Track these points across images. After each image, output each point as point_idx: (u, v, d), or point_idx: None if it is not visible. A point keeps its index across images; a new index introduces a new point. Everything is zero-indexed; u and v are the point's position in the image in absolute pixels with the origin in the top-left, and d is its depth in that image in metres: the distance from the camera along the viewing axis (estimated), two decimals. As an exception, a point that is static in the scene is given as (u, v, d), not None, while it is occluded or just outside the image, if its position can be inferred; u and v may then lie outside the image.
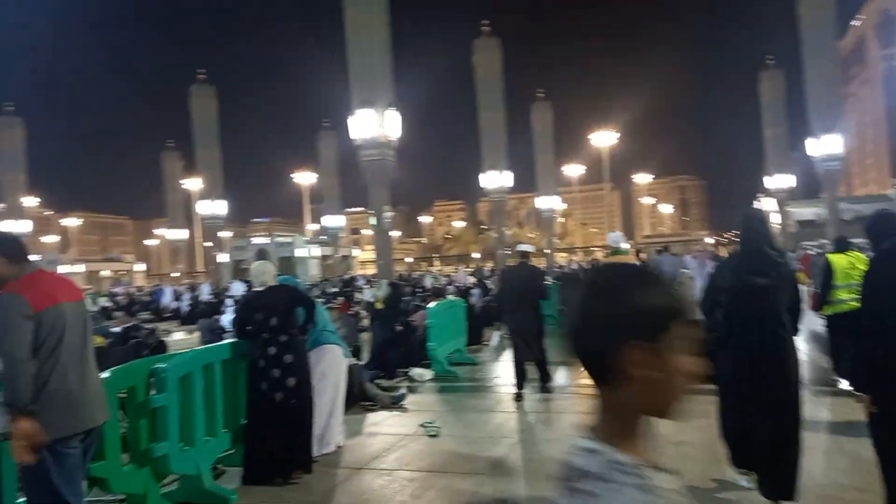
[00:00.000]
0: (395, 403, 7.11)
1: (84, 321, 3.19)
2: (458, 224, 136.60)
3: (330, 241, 73.01)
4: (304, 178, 75.06)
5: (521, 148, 60.64)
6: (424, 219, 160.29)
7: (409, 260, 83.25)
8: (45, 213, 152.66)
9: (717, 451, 4.24)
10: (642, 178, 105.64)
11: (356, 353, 9.65)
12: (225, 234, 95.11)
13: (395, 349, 9.03)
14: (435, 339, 8.71)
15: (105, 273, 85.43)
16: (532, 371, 7.42)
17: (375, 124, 29.05)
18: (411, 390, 8.09)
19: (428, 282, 35.61)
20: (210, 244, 65.52)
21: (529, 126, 58.26)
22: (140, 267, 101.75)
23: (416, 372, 8.65)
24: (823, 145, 42.06)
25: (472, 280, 24.93)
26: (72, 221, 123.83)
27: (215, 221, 55.60)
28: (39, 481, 2.89)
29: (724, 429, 4.04)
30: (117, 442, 3.79)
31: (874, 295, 3.29)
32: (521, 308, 7.41)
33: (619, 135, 63.22)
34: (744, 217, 4.00)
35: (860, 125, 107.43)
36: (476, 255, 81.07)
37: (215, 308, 19.88)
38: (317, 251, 74.86)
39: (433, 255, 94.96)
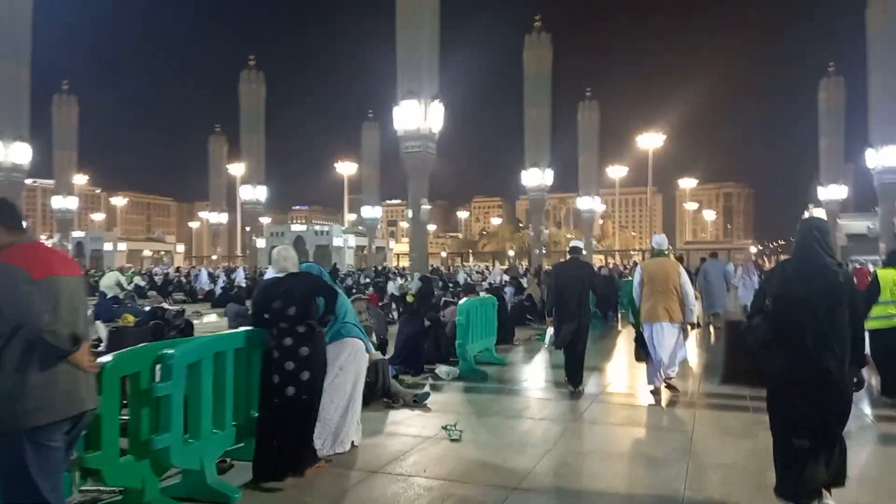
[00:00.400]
0: (417, 402, 6.79)
1: (80, 297, 2.93)
2: (496, 221, 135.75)
3: (367, 232, 73.43)
4: (346, 169, 75.51)
5: (565, 146, 59.89)
6: (462, 214, 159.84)
7: (444, 254, 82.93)
8: (95, 191, 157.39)
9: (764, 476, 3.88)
10: (687, 183, 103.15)
11: (382, 346, 9.39)
12: (265, 220, 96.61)
13: (422, 345, 8.72)
14: (463, 337, 8.37)
15: (147, 252, 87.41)
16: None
17: (419, 116, 28.89)
18: (436, 389, 7.76)
19: (461, 277, 35.35)
20: (248, 229, 66.48)
21: (575, 125, 57.51)
22: (180, 248, 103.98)
23: (443, 370, 8.32)
24: (882, 157, 40.48)
25: (505, 277, 24.54)
26: (119, 201, 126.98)
27: (255, 206, 56.20)
28: (16, 477, 2.63)
29: (776, 449, 3.86)
30: (115, 431, 3.54)
31: None
32: (571, 304, 7.72)
33: (665, 137, 61.76)
34: (804, 223, 3.90)
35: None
36: (511, 253, 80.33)
37: (248, 292, 19.93)
38: (353, 241, 75.43)
39: (468, 250, 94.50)
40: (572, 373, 7.79)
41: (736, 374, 4.65)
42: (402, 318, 9.53)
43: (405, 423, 6.18)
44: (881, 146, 40.53)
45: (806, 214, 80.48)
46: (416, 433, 5.82)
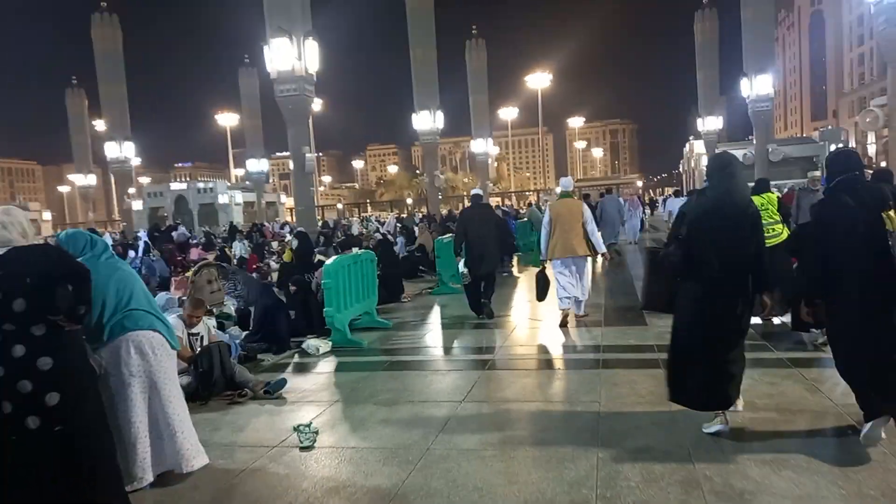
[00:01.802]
0: (269, 393, 5.43)
1: None
2: (392, 168, 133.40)
3: (254, 188, 69.68)
4: (227, 120, 70.71)
5: (455, 89, 58.46)
6: (357, 163, 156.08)
7: (340, 206, 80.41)
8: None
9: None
10: (575, 122, 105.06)
11: (243, 320, 7.90)
12: (145, 180, 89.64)
13: (282, 315, 7.28)
14: (332, 303, 7.04)
15: (8, 222, 79.08)
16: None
17: (292, 55, 26.51)
18: (301, 369, 6.44)
19: (355, 229, 33.66)
20: (129, 190, 61.10)
21: (463, 66, 56.06)
22: (47, 216, 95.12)
23: (310, 344, 6.97)
24: (756, 85, 41.88)
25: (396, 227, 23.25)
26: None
27: (124, 165, 51.32)
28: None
29: (674, 349, 4.26)
30: None
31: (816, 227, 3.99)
32: (481, 245, 8.54)
33: (552, 77, 61.68)
34: (713, 158, 4.29)
35: (784, 70, 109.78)
36: (409, 201, 78.99)
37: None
38: (240, 198, 71.41)
39: (366, 200, 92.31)
40: (483, 305, 8.63)
41: (653, 301, 4.90)
42: (257, 287, 8.00)
43: (246, 427, 4.81)
44: (755, 75, 41.86)
45: (687, 147, 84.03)
46: (258, 440, 4.48)
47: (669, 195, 32.90)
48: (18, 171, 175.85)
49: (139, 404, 3.61)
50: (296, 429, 4.50)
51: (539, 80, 57.68)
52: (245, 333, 7.31)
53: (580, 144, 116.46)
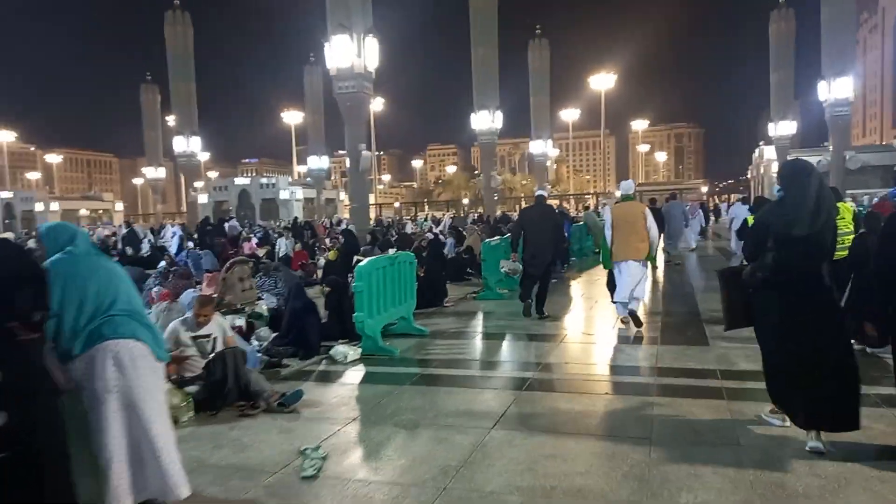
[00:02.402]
0: (283, 406, 4.99)
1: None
2: (451, 169, 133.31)
3: (314, 184, 70.71)
4: (293, 118, 72.00)
5: (516, 89, 57.69)
6: (417, 162, 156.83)
7: (397, 204, 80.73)
8: (29, 148, 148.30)
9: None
10: (639, 125, 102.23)
11: (278, 320, 7.51)
12: (213, 174, 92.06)
13: (312, 318, 6.85)
14: (363, 308, 6.56)
15: (83, 212, 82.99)
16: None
17: (352, 52, 26.43)
18: (325, 379, 5.98)
19: (409, 227, 33.39)
20: (197, 184, 62.86)
21: (525, 65, 55.19)
22: (119, 206, 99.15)
23: (338, 351, 6.52)
24: (835, 89, 39.62)
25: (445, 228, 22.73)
26: (54, 158, 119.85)
27: (191, 159, 52.69)
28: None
29: (768, 367, 4.15)
30: None
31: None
32: (536, 245, 8.76)
33: (617, 78, 59.94)
34: (790, 166, 4.09)
35: (864, 74, 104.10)
36: (465, 201, 78.52)
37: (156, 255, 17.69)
38: (301, 193, 72.55)
39: (424, 199, 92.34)
40: (539, 302, 8.85)
41: (736, 319, 4.48)
42: (292, 287, 7.59)
43: (250, 446, 4.35)
44: (833, 78, 39.61)
45: (756, 153, 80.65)
46: (259, 463, 4.01)
47: (736, 202, 31.45)
48: (97, 162, 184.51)
49: (115, 424, 3.17)
50: (302, 452, 4.03)
51: (603, 81, 56.15)
52: (274, 335, 6.92)
53: (643, 148, 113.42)
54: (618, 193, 8.63)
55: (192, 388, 4.95)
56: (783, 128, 55.99)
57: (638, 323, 7.67)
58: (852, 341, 4.62)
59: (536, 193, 10.01)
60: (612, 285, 8.30)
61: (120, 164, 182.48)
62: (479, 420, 4.75)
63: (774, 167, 61.16)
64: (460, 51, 45.26)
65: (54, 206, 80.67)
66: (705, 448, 4.07)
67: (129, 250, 20.51)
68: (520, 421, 4.74)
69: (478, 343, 7.61)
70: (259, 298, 8.09)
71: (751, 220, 7.36)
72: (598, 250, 13.64)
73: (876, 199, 16.72)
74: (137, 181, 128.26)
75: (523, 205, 67.05)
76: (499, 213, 38.93)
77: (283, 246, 14.48)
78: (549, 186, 73.29)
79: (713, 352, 6.45)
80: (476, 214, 40.14)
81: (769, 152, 63.31)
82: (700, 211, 24.96)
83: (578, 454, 4.09)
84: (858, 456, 3.77)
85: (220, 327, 5.36)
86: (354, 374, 6.20)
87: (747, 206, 14.13)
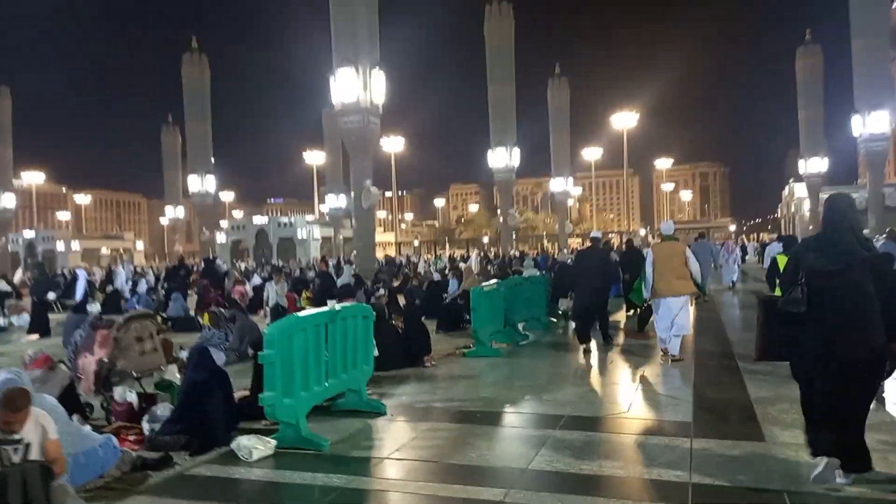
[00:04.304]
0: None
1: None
2: (474, 207, 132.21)
3: (332, 223, 70.19)
4: (314, 158, 71.85)
5: (536, 128, 56.52)
6: (439, 201, 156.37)
7: (416, 243, 79.52)
8: (60, 189, 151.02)
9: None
10: (663, 164, 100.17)
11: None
12: (238, 214, 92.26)
13: (216, 395, 5.00)
14: (276, 385, 4.57)
15: (104, 251, 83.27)
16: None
17: (357, 86, 25.33)
18: (198, 496, 4.08)
19: (421, 266, 31.69)
20: (221, 223, 62.14)
21: (544, 104, 54.12)
22: (140, 245, 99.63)
23: (242, 445, 4.62)
24: (870, 123, 37.65)
25: (442, 266, 20.81)
26: (82, 198, 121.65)
27: (205, 198, 52.08)
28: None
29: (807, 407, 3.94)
30: None
31: None
32: (591, 284, 9.25)
33: (639, 116, 58.25)
34: (829, 200, 4.02)
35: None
36: (486, 240, 76.86)
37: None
38: (318, 232, 71.91)
39: (445, 238, 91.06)
40: (605, 336, 9.47)
41: (770, 351, 4.28)
42: (191, 352, 5.74)
43: None
44: (868, 112, 37.67)
45: (786, 191, 78.22)
46: None
47: (771, 241, 29.39)
48: (126, 203, 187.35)
49: None
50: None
51: (624, 120, 54.62)
52: (165, 419, 5.12)
53: (668, 186, 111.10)
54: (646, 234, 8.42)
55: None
56: (814, 165, 53.83)
57: (672, 358, 8.01)
58: None
59: (591, 235, 10.78)
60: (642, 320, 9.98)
61: (148, 205, 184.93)
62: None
63: (806, 205, 58.66)
64: (480, 87, 44.28)
65: (75, 245, 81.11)
66: None
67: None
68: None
69: (448, 429, 5.38)
70: (176, 359, 6.33)
71: (780, 260, 7.52)
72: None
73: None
74: (164, 221, 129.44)
75: (545, 244, 65.36)
76: (514, 252, 37.01)
77: (271, 292, 12.42)
78: (572, 225, 71.45)
79: (772, 450, 4.49)
80: (480, 254, 37.99)
81: (800, 189, 61.03)
82: (738, 249, 24.53)
83: None
84: None
85: (40, 429, 3.59)
86: (250, 487, 4.23)
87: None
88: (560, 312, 12.44)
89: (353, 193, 27.29)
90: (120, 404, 5.48)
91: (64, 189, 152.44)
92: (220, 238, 75.15)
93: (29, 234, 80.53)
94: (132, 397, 5.49)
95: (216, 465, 4.59)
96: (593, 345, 9.22)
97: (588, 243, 10.56)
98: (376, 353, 6.97)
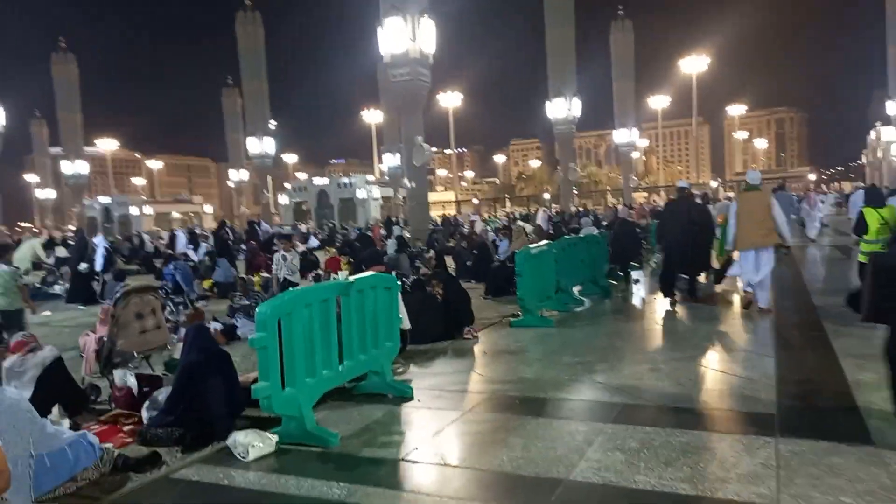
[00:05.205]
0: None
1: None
2: (535, 163, 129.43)
3: (391, 183, 69.90)
4: (373, 117, 71.46)
5: (599, 78, 53.97)
6: (499, 158, 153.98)
7: (476, 201, 78.47)
8: (134, 155, 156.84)
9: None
10: (735, 110, 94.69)
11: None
12: (302, 176, 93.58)
13: (214, 381, 4.37)
14: (269, 374, 3.90)
15: (175, 214, 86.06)
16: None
17: (406, 36, 24.25)
18: None
19: (479, 225, 30.83)
20: (286, 185, 62.86)
21: (607, 50, 51.41)
22: (208, 209, 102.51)
23: (238, 442, 3.98)
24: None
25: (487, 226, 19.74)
26: (154, 164, 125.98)
27: (264, 160, 52.45)
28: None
29: None
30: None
31: None
32: (679, 238, 8.85)
33: (709, 61, 54.57)
34: None
35: None
36: (546, 196, 75.10)
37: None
38: (378, 193, 71.82)
39: (505, 195, 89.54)
40: (691, 291, 9.07)
41: (873, 313, 4.02)
42: (189, 330, 5.07)
43: None
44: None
45: (872, 135, 72.70)
46: None
47: (855, 189, 27.07)
48: (195, 167, 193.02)
49: None
50: None
51: (694, 64, 51.33)
52: (158, 409, 4.55)
53: (741, 135, 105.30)
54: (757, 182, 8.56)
55: None
56: (905, 105, 49.25)
57: (759, 310, 7.87)
58: None
59: (678, 185, 10.21)
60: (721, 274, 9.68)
61: (217, 168, 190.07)
62: None
63: (893, 149, 54.14)
64: (539, 34, 42.19)
65: (148, 209, 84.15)
66: None
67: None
68: None
69: (480, 421, 4.55)
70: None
71: (868, 214, 7.32)
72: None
73: None
74: (232, 184, 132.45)
75: (609, 198, 63.09)
76: (574, 209, 35.60)
77: (281, 264, 9.57)
78: (637, 179, 68.62)
79: (886, 460, 3.53)
80: (554, 210, 36.44)
81: (888, 133, 56.45)
82: (820, 200, 23.15)
83: None
84: None
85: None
86: (237, 496, 3.57)
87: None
88: (621, 275, 11.42)
89: (403, 150, 26.54)
90: (119, 389, 4.97)
91: (138, 155, 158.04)
92: (283, 200, 76.18)
93: (105, 200, 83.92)
94: (132, 381, 4.97)
95: (207, 466, 3.98)
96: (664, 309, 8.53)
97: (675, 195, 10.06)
98: (408, 325, 6.27)
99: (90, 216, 70.01)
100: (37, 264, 16.75)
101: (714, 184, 70.45)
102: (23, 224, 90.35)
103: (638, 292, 10.69)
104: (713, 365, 5.89)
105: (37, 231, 45.97)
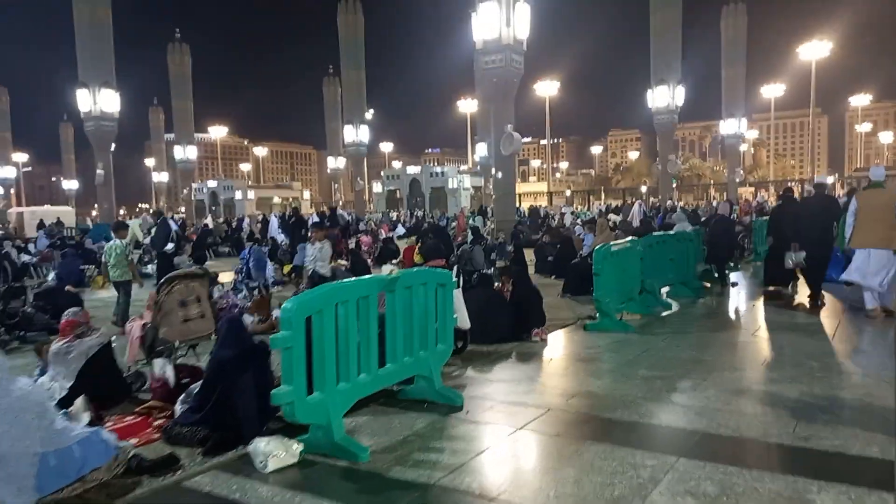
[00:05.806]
0: None
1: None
2: (634, 154, 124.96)
3: (482, 172, 69.54)
4: (468, 106, 71.45)
5: (706, 65, 51.05)
6: (596, 148, 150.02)
7: (568, 192, 76.69)
8: (243, 142, 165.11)
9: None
10: (859, 101, 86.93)
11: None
12: (397, 164, 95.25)
13: (245, 381, 4.05)
14: (292, 378, 3.55)
15: (276, 199, 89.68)
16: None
17: (500, 21, 23.69)
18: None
19: (568, 218, 29.82)
20: (382, 173, 63.92)
21: (716, 35, 48.47)
22: (306, 195, 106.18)
23: (259, 450, 3.61)
24: None
25: (566, 215, 18.67)
26: (260, 151, 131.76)
27: (359, 148, 53.31)
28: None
29: None
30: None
31: None
32: (812, 235, 8.49)
33: (830, 46, 50.10)
34: None
35: None
36: (644, 189, 72.22)
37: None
38: (468, 182, 71.65)
39: (601, 187, 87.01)
40: (813, 296, 8.53)
41: None
42: (222, 325, 4.73)
43: None
44: None
45: None
46: None
47: None
48: (298, 154, 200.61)
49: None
50: None
51: (813, 50, 47.33)
52: (185, 406, 4.30)
53: (864, 127, 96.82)
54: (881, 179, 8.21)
55: None
56: None
57: (890, 314, 7.56)
58: None
59: (816, 182, 9.81)
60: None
61: (318, 156, 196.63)
62: None
63: None
64: (642, 18, 40.26)
65: (251, 194, 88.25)
66: None
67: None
68: None
69: (530, 443, 4.04)
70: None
71: None
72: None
73: None
74: (329, 171, 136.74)
75: (712, 192, 59.74)
76: (670, 203, 33.73)
77: (308, 253, 8.84)
78: (743, 173, 64.57)
79: None
80: (619, 204, 34.65)
81: None
82: None
83: None
84: None
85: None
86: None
87: None
88: (716, 276, 10.42)
89: (492, 139, 25.98)
90: (157, 379, 4.78)
91: (245, 142, 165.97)
92: (377, 188, 77.58)
93: (212, 184, 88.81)
94: (169, 371, 4.77)
95: (225, 474, 3.65)
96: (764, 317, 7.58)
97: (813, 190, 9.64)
98: (467, 324, 5.77)
99: (198, 199, 74.04)
100: (137, 244, 17.66)
101: (829, 179, 65.22)
102: (142, 205, 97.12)
103: (735, 297, 9.68)
104: (819, 390, 5.01)
105: (145, 210, 48.84)
